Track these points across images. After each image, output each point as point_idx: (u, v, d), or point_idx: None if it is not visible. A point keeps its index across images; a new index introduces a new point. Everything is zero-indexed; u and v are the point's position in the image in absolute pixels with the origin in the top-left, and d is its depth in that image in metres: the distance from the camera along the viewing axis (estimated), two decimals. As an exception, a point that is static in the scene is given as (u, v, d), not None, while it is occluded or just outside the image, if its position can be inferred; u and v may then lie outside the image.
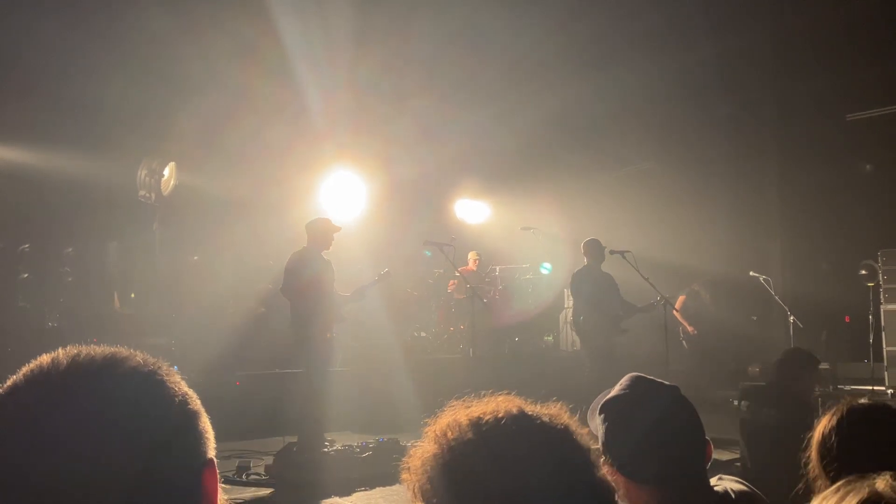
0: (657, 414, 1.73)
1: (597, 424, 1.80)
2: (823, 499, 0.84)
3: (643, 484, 1.69)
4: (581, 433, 1.11)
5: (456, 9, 11.96)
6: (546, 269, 12.67)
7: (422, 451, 1.08)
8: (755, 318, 13.72)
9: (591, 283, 8.45)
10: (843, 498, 0.81)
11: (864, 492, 0.80)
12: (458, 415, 1.09)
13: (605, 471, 1.73)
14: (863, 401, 2.14)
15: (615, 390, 1.81)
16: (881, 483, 0.82)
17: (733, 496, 1.75)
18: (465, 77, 12.97)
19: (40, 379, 0.84)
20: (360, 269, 8.82)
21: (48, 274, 10.11)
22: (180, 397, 0.89)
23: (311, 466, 6.54)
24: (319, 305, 7.08)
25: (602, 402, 1.80)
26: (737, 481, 1.82)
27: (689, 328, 11.93)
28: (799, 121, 14.87)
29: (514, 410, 1.08)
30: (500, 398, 1.11)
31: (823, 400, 8.78)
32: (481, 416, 1.07)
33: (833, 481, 1.98)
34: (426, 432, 1.10)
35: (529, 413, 1.09)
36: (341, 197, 11.96)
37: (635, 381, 1.81)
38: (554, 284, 12.54)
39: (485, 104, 13.26)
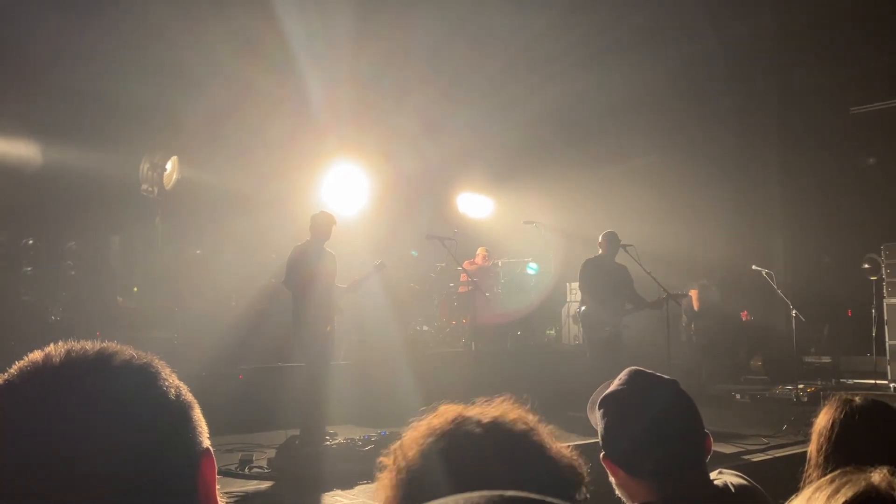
0: (656, 409, 1.73)
1: (596, 418, 1.80)
2: (818, 488, 0.84)
3: (641, 478, 1.69)
4: (531, 430, 1.10)
5: (458, 2, 11.94)
6: (532, 269, 12.55)
7: (383, 483, 1.09)
8: (753, 318, 13.73)
9: (600, 274, 8.39)
10: (838, 489, 0.81)
11: (860, 484, 0.81)
12: (407, 438, 1.10)
13: (604, 464, 1.74)
14: (859, 397, 2.17)
15: (614, 385, 1.81)
16: (877, 476, 0.82)
17: (733, 490, 1.75)
18: (468, 70, 12.96)
19: (35, 375, 0.84)
20: (361, 262, 8.83)
21: (51, 268, 10.13)
22: (175, 388, 0.90)
23: (313, 460, 6.56)
24: (319, 299, 7.10)
25: (601, 397, 1.80)
26: (737, 475, 1.82)
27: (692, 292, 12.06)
28: (802, 114, 14.84)
29: (450, 421, 1.09)
30: (441, 409, 1.12)
31: (825, 394, 8.81)
32: (419, 438, 1.08)
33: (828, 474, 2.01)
34: (381, 465, 1.11)
35: (472, 422, 1.09)
36: (343, 190, 11.96)
37: (634, 376, 1.82)
38: (542, 284, 12.45)
39: (487, 98, 13.24)
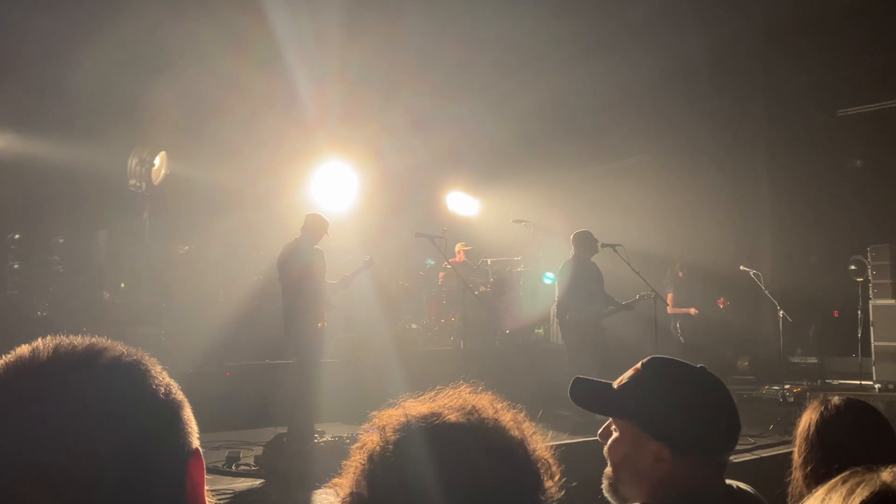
0: (704, 386, 1.71)
1: (613, 405, 1.76)
2: (831, 489, 0.83)
3: (689, 455, 1.66)
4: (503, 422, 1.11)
5: (448, -1, 11.94)
6: (549, 278, 12.57)
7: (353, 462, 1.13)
8: (729, 303, 13.67)
9: (577, 275, 8.37)
10: (851, 491, 0.80)
11: (874, 484, 0.80)
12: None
13: (645, 447, 1.68)
14: (837, 397, 2.17)
15: (638, 371, 1.78)
16: (888, 475, 0.81)
17: (741, 495, 1.73)
18: (457, 68, 12.95)
19: (20, 371, 0.82)
20: (350, 259, 8.82)
21: (38, 263, 10.05)
22: (164, 387, 0.88)
23: (301, 457, 6.54)
24: (311, 296, 7.10)
25: (641, 383, 1.76)
26: (741, 484, 1.80)
27: (692, 310, 12.09)
28: (790, 115, 14.91)
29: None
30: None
31: (811, 394, 8.85)
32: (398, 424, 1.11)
33: (812, 475, 2.02)
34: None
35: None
36: (332, 188, 11.93)
37: (665, 361, 1.79)
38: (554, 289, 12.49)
39: (477, 95, 13.24)
